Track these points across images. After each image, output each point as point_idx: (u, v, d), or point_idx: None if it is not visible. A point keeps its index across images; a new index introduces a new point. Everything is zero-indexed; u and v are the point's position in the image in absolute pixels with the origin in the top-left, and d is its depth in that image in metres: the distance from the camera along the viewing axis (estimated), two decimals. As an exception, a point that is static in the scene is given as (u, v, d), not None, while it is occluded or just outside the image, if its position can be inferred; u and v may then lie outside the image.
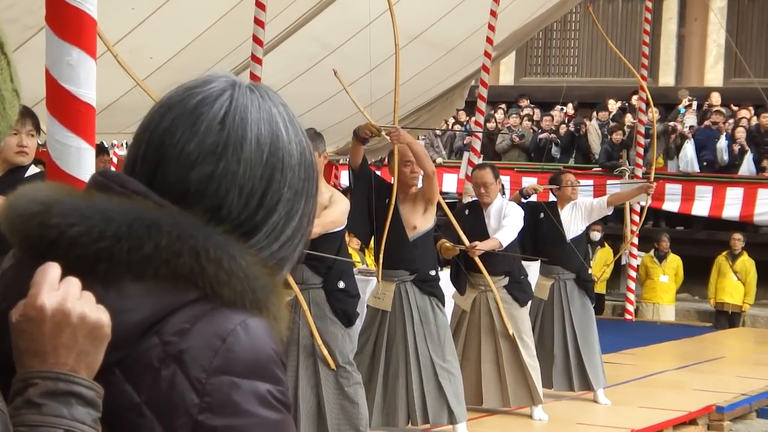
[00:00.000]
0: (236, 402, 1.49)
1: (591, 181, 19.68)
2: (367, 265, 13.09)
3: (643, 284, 18.76)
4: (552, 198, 11.12)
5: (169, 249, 1.52)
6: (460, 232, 9.39)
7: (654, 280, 18.60)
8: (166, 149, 1.60)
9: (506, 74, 25.00)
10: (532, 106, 22.87)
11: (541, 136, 21.57)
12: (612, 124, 21.07)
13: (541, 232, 10.61)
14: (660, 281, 18.56)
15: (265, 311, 1.57)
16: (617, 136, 20.24)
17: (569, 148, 21.45)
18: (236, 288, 1.55)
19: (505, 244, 9.41)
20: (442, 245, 9.38)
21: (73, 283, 1.47)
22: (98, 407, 1.45)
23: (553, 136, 21.43)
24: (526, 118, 22.03)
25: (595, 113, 21.71)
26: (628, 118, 20.59)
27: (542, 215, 10.68)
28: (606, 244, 18.72)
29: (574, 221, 10.71)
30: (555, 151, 21.34)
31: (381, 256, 8.58)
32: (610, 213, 11.30)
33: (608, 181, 19.55)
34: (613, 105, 22.06)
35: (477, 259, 9.39)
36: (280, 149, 1.62)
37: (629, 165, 19.03)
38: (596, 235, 18.08)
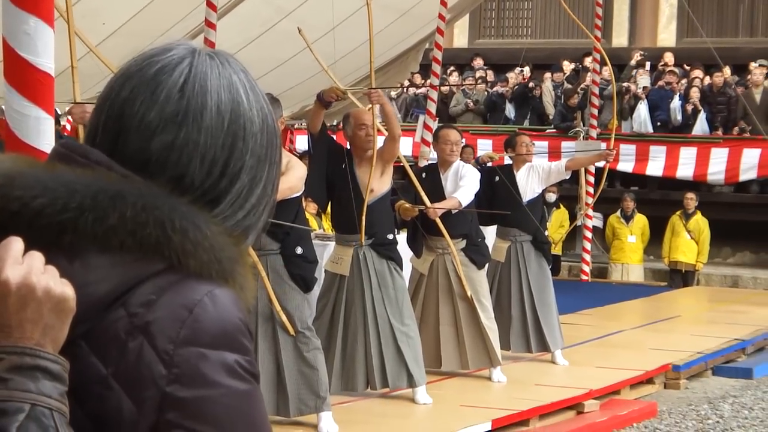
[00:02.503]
0: (204, 373, 1.48)
1: (546, 143, 19.74)
2: (324, 230, 13.09)
3: (610, 245, 18.86)
4: (508, 161, 11.14)
5: (134, 220, 1.51)
6: (421, 192, 9.41)
7: (622, 240, 18.72)
8: (126, 119, 1.59)
9: (460, 37, 24.97)
10: (486, 67, 22.86)
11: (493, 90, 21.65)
12: (566, 85, 21.11)
13: (497, 194, 10.63)
14: (628, 241, 18.67)
15: (231, 281, 1.56)
16: (573, 100, 20.28)
17: (524, 110, 21.48)
18: (202, 258, 1.54)
19: (464, 203, 9.47)
20: (401, 206, 9.39)
21: (37, 256, 1.45)
22: (65, 381, 1.44)
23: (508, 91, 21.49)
24: (480, 80, 22.02)
25: (549, 75, 21.72)
26: (584, 78, 20.63)
27: (497, 178, 10.70)
28: (561, 206, 18.80)
29: (530, 183, 10.73)
30: (509, 110, 21.41)
31: (363, 219, 8.57)
32: (568, 177, 11.34)
33: (563, 143, 19.62)
34: (568, 66, 22.09)
35: (438, 221, 9.41)
36: (241, 116, 1.60)
37: (584, 126, 19.08)
38: (552, 197, 18.14)
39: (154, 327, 1.48)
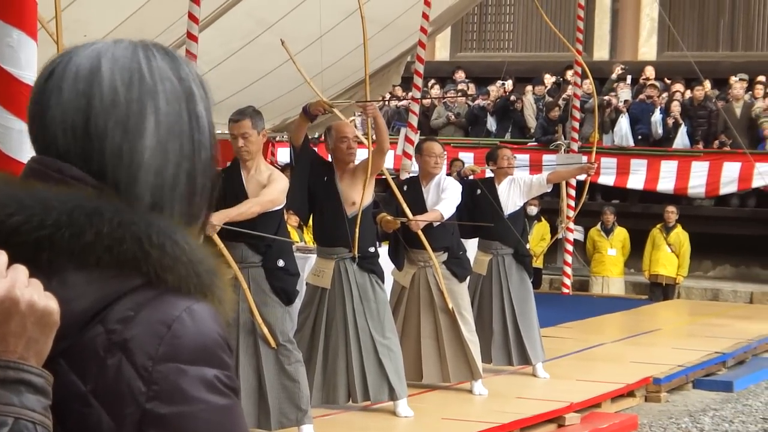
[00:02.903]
0: (184, 389, 1.48)
1: (527, 156, 19.78)
2: (305, 242, 13.07)
3: (591, 258, 18.89)
4: (489, 173, 11.15)
5: (111, 236, 1.51)
6: (404, 205, 9.41)
7: (602, 253, 18.74)
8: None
9: (442, 50, 25.00)
10: (467, 80, 22.89)
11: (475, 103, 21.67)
12: (548, 99, 21.15)
13: (478, 208, 10.64)
14: (608, 255, 18.69)
15: (210, 295, 1.56)
16: (554, 113, 20.31)
17: (505, 123, 21.51)
18: (180, 273, 1.53)
19: (446, 216, 9.48)
20: (382, 219, 9.38)
21: (21, 270, 1.45)
22: (48, 395, 1.44)
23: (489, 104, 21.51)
24: (460, 93, 22.05)
25: (531, 88, 21.76)
26: (565, 90, 20.67)
27: (479, 191, 10.71)
28: (542, 219, 18.82)
29: (511, 197, 10.74)
30: (490, 123, 21.45)
31: (357, 231, 8.58)
32: (549, 190, 11.35)
33: (544, 156, 19.67)
34: (549, 79, 22.14)
35: (420, 233, 9.42)
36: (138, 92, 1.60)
37: (565, 139, 19.11)
38: (533, 210, 18.17)
39: (132, 343, 1.48)
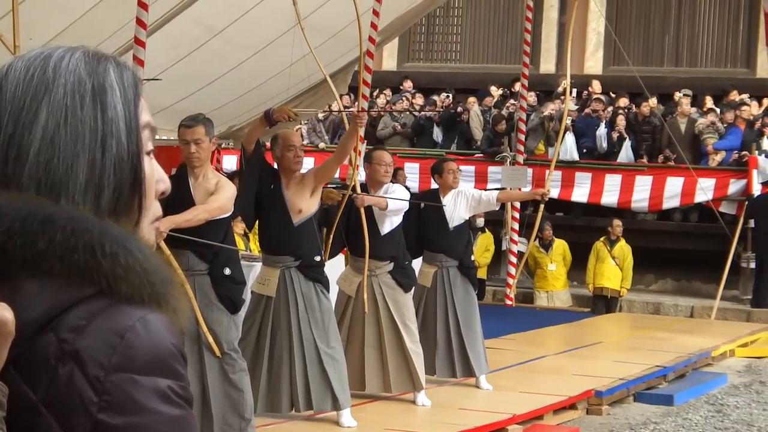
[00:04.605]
0: (136, 399, 1.46)
1: (473, 167, 19.84)
2: (250, 251, 13.03)
3: (534, 273, 18.93)
4: (434, 185, 11.16)
5: (63, 245, 1.49)
6: (337, 217, 9.43)
7: (543, 269, 18.78)
8: None
9: (389, 60, 25.04)
10: (414, 91, 22.93)
11: (421, 113, 21.71)
12: (494, 111, 21.21)
13: (423, 220, 10.67)
14: (549, 270, 18.74)
15: (164, 304, 1.55)
16: (500, 125, 20.37)
17: (451, 134, 21.55)
18: (134, 283, 1.52)
19: (390, 207, 9.46)
20: (326, 192, 9.31)
21: None
22: (3, 406, 1.42)
23: (436, 116, 21.54)
24: (406, 103, 22.10)
25: (475, 99, 21.82)
26: (508, 101, 20.75)
27: (422, 205, 10.74)
28: (487, 230, 18.85)
29: (457, 210, 10.75)
30: (436, 134, 21.50)
31: (330, 238, 8.57)
32: (497, 209, 11.40)
33: (490, 168, 19.74)
34: (496, 91, 22.22)
35: (367, 243, 9.43)
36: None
37: (510, 151, 19.19)
38: (480, 222, 18.22)
39: (84, 353, 1.46)
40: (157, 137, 1.69)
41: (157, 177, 1.66)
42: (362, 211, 9.47)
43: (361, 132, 8.89)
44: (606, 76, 22.74)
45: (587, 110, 20.54)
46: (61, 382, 1.45)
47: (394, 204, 9.55)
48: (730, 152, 19.53)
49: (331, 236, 9.78)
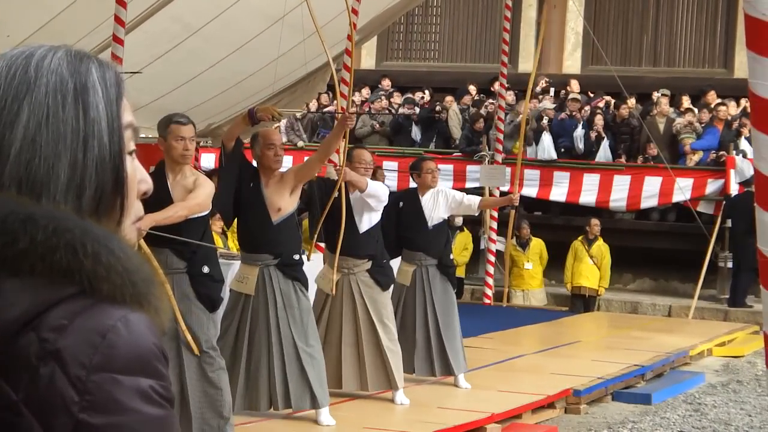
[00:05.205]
0: (118, 399, 1.46)
1: (451, 166, 19.84)
2: (229, 249, 13.01)
3: (510, 272, 18.95)
4: (413, 184, 11.17)
5: (45, 244, 1.48)
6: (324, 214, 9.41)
7: (520, 267, 18.78)
8: None
9: (368, 58, 25.05)
10: (392, 90, 22.93)
11: (400, 111, 21.70)
12: (473, 110, 21.22)
13: (402, 219, 10.67)
14: (525, 268, 18.75)
15: (146, 304, 1.54)
16: (479, 124, 20.39)
17: (430, 133, 21.55)
18: (115, 282, 1.51)
19: (369, 190, 9.45)
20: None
21: None
22: None
23: (414, 115, 21.54)
24: (385, 100, 22.09)
25: (452, 98, 21.81)
26: (489, 104, 20.75)
27: (401, 204, 10.74)
28: (465, 229, 18.86)
29: (436, 209, 10.76)
30: (415, 133, 21.50)
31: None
32: (476, 215, 11.42)
33: (468, 167, 19.76)
34: (474, 90, 22.23)
35: (340, 240, 9.43)
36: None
37: (489, 150, 19.21)
38: (459, 221, 18.21)
39: (66, 353, 1.45)
40: (136, 135, 1.68)
41: (139, 177, 1.66)
42: (343, 207, 9.44)
43: (336, 130, 8.86)
44: (584, 75, 22.79)
45: (563, 114, 20.42)
46: (43, 381, 1.44)
47: (373, 188, 9.53)
48: (707, 152, 19.58)
49: (316, 233, 9.77)
